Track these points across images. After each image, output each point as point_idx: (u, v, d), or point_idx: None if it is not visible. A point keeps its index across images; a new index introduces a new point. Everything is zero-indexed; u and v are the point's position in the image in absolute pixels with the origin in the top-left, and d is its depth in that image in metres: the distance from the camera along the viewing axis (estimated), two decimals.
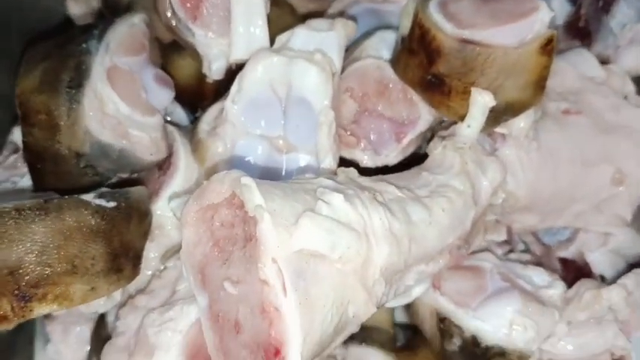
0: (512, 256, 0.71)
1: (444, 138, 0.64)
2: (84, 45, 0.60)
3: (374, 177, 0.59)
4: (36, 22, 0.77)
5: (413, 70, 0.65)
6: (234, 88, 0.64)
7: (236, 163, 0.63)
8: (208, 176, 0.60)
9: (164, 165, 0.65)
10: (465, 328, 0.62)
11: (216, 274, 0.50)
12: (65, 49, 0.60)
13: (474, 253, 0.67)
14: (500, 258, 0.68)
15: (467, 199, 0.60)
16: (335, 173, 0.58)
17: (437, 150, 0.63)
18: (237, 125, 0.64)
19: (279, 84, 0.63)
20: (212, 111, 0.67)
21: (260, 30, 0.68)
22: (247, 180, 0.48)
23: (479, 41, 0.60)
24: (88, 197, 0.55)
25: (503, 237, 0.71)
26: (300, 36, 0.65)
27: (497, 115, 0.63)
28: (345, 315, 0.49)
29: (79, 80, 0.58)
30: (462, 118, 0.63)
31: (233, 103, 0.64)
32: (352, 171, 0.58)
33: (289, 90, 0.63)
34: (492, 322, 0.61)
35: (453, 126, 0.65)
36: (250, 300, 0.47)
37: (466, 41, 0.60)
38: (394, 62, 0.69)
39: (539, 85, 0.63)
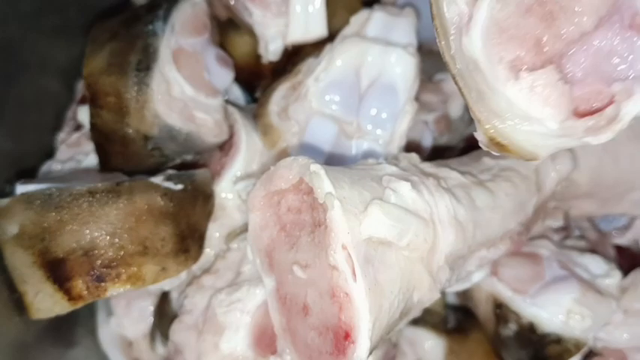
0: (569, 242, 0.71)
1: None
2: (150, 26, 0.60)
3: (435, 162, 0.59)
4: None
5: None
6: (321, 66, 0.65)
7: (305, 145, 0.64)
8: (279, 159, 0.62)
9: (225, 146, 0.66)
10: (522, 314, 0.62)
11: (284, 258, 0.51)
12: (132, 28, 0.61)
13: (531, 239, 0.66)
14: (557, 245, 0.68)
15: (530, 184, 0.60)
16: (397, 159, 0.58)
17: None
18: (314, 103, 0.65)
19: (367, 70, 0.64)
20: (280, 91, 0.67)
21: (318, 10, 0.67)
22: (316, 167, 0.48)
23: None
24: (157, 180, 0.56)
25: (560, 223, 0.71)
26: (379, 20, 0.65)
27: None
28: (410, 300, 0.50)
29: (147, 63, 0.58)
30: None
31: (316, 81, 0.65)
32: (414, 157, 0.58)
33: (377, 77, 0.64)
34: (550, 309, 0.61)
35: None
36: (319, 284, 0.48)
37: None
38: None
39: None
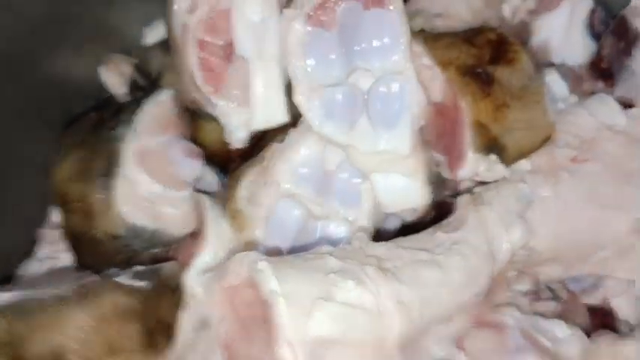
0: (540, 305, 0.71)
1: (473, 194, 0.66)
2: (113, 132, 0.64)
3: (390, 241, 0.61)
4: (73, 95, 0.81)
5: (461, 53, 0.67)
6: (289, 150, 0.68)
7: (272, 230, 0.66)
8: (248, 245, 0.65)
9: (196, 233, 0.69)
10: None
11: (242, 353, 0.53)
12: (97, 135, 0.65)
13: (497, 306, 0.67)
14: (524, 311, 0.68)
15: (481, 255, 0.61)
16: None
17: (461, 206, 0.65)
18: (283, 184, 0.67)
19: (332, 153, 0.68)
20: (248, 176, 0.70)
21: (278, 98, 0.71)
22: (263, 264, 0.51)
23: None
24: (122, 279, 0.59)
25: (528, 286, 0.71)
26: None
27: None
28: None
29: (110, 168, 0.62)
30: (476, 123, 0.65)
31: (285, 163, 0.68)
32: (363, 237, 0.61)
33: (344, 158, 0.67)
34: None
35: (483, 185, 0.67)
36: None
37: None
38: (430, 38, 0.70)
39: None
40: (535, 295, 0.72)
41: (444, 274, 0.58)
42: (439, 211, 0.76)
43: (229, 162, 0.79)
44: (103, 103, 0.84)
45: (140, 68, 0.88)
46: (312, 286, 0.51)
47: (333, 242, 0.66)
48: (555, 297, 0.74)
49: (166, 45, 0.89)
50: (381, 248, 0.59)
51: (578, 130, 0.72)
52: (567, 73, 0.83)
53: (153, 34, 0.91)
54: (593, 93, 0.80)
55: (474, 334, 0.65)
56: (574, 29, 0.85)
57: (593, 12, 0.85)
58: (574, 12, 0.85)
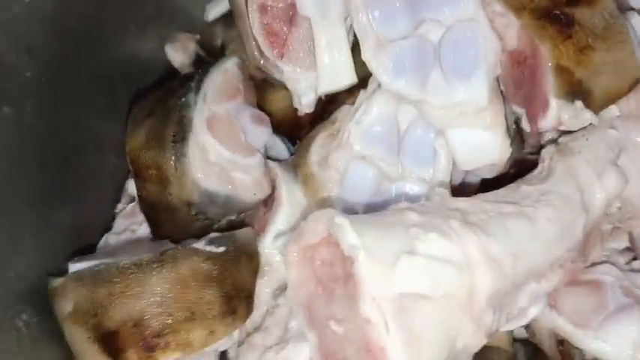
0: (636, 264, 0.67)
1: (558, 144, 0.62)
2: (183, 99, 0.63)
3: (471, 197, 0.58)
4: (139, 74, 0.82)
5: None
6: (360, 110, 0.66)
7: (345, 192, 0.65)
8: (321, 208, 0.63)
9: (268, 201, 0.68)
10: (586, 350, 0.58)
11: (322, 313, 0.52)
12: (166, 103, 0.64)
13: (593, 265, 0.63)
14: (623, 269, 0.64)
15: (574, 205, 0.57)
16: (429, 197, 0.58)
17: (546, 158, 0.61)
18: (356, 146, 0.66)
19: (404, 111, 0.66)
20: (319, 140, 0.69)
21: (345, 59, 0.69)
22: (340, 219, 0.49)
23: None
24: (199, 245, 0.58)
25: (624, 244, 0.67)
26: None
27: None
28: (454, 348, 0.49)
29: (182, 134, 0.61)
30: (557, 67, 0.60)
31: (358, 124, 0.66)
32: (444, 192, 0.58)
33: (416, 116, 0.65)
34: (615, 343, 0.57)
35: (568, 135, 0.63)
36: (355, 339, 0.48)
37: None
38: None
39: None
40: (631, 252, 0.68)
41: (534, 227, 0.54)
42: (518, 169, 0.73)
43: (298, 130, 0.78)
44: (170, 79, 0.84)
45: (204, 44, 0.88)
46: (394, 239, 0.49)
47: (411, 202, 0.64)
48: None
49: (228, 19, 0.90)
50: (464, 203, 0.56)
51: None
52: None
53: (215, 10, 0.90)
54: None
55: (568, 293, 0.61)
56: None
57: None
58: None
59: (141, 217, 0.70)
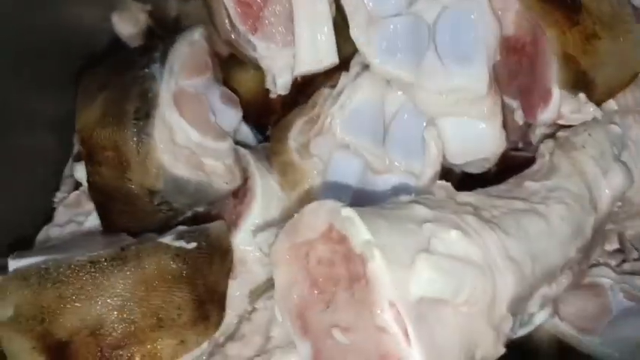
0: (626, 266, 0.64)
1: (557, 139, 0.57)
2: (146, 70, 0.55)
3: (474, 191, 0.53)
4: (82, 43, 0.73)
5: None
6: (344, 94, 0.60)
7: (329, 183, 0.58)
8: (302, 202, 0.56)
9: (239, 193, 0.60)
10: (593, 355, 0.55)
11: (320, 320, 0.44)
12: (125, 75, 0.55)
13: (590, 268, 0.60)
14: (616, 271, 0.61)
15: (585, 203, 0.53)
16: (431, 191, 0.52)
17: (546, 154, 0.57)
18: (339, 133, 0.60)
19: (392, 97, 0.60)
20: (297, 125, 0.62)
21: (327, 37, 0.62)
22: (348, 211, 0.42)
23: None
24: (167, 240, 0.50)
25: (615, 245, 0.64)
26: None
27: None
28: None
29: (146, 110, 0.53)
30: (564, 55, 0.56)
31: (342, 109, 0.60)
32: (449, 187, 0.52)
33: (404, 103, 0.60)
34: (623, 349, 0.54)
35: (567, 129, 0.58)
36: (366, 350, 0.41)
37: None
38: None
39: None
40: (622, 255, 0.65)
41: (549, 225, 0.49)
42: (500, 167, 0.69)
43: (267, 114, 0.71)
44: (116, 52, 0.74)
45: (155, 16, 0.79)
46: (408, 236, 0.43)
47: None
48: None
49: None
50: (471, 197, 0.50)
51: None
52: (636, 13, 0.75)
53: None
54: None
55: (570, 297, 0.57)
56: None
57: None
58: None
59: (87, 206, 0.61)
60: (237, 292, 0.56)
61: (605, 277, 0.59)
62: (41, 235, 0.60)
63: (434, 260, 0.41)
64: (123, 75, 0.55)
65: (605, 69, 0.58)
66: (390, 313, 0.39)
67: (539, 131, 0.64)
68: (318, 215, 0.44)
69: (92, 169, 0.53)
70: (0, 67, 0.61)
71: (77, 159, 0.65)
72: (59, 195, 0.65)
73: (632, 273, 0.63)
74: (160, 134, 0.52)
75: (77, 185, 0.65)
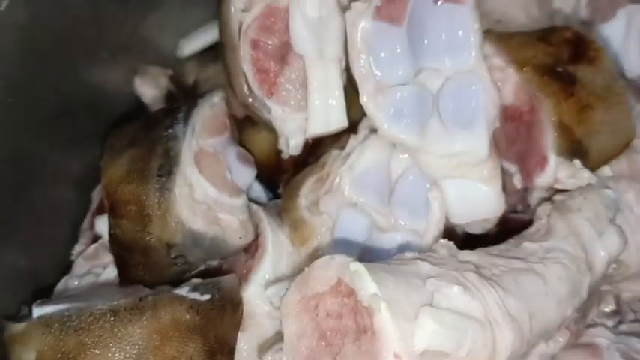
0: (623, 327, 0.66)
1: (554, 202, 0.60)
2: (170, 130, 0.58)
3: (475, 250, 0.55)
4: (105, 105, 0.77)
5: (537, 52, 0.62)
6: (353, 155, 0.64)
7: (337, 240, 0.61)
8: (311, 257, 0.58)
9: (251, 248, 0.63)
10: None
11: None
12: (151, 134, 0.59)
13: (586, 327, 0.61)
14: (613, 331, 0.62)
15: (581, 264, 0.56)
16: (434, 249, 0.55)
17: (544, 216, 0.60)
18: (347, 192, 0.63)
19: (397, 160, 0.63)
20: (307, 184, 0.65)
21: (338, 102, 0.66)
22: (357, 265, 0.45)
23: None
24: (182, 291, 0.52)
25: (611, 306, 0.66)
26: None
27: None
28: None
29: (169, 167, 0.56)
30: (559, 124, 0.60)
31: (350, 169, 0.63)
32: (452, 245, 0.55)
33: (409, 166, 0.63)
34: None
35: (564, 193, 0.61)
36: None
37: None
38: (502, 37, 0.65)
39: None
40: (618, 316, 0.66)
41: (546, 284, 0.52)
42: (500, 228, 0.71)
43: (278, 173, 0.74)
44: (138, 114, 0.78)
45: (175, 80, 0.84)
46: (413, 291, 0.45)
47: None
48: (638, 320, 0.69)
49: (203, 57, 0.86)
50: (472, 255, 0.53)
51: None
52: (628, 85, 0.79)
53: (189, 46, 0.87)
54: None
55: (567, 356, 0.58)
56: (631, 40, 0.81)
57: None
58: (631, 22, 0.82)
59: (105, 259, 0.63)
60: (245, 345, 0.58)
61: (601, 336, 0.60)
62: (60, 286, 0.62)
63: (437, 314, 0.43)
64: (148, 134, 0.59)
65: (599, 137, 0.62)
66: None
67: (536, 195, 0.67)
68: (328, 269, 0.46)
69: (114, 221, 0.56)
70: (31, 126, 0.65)
71: (98, 213, 0.68)
72: (78, 247, 0.67)
73: (629, 333, 0.64)
74: (181, 190, 0.56)
75: (95, 239, 0.67)
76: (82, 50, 0.70)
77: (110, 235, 0.57)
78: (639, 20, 0.82)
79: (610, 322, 0.66)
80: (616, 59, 0.82)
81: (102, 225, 0.64)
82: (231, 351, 0.55)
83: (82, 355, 0.47)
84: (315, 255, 0.60)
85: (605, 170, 0.65)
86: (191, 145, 0.58)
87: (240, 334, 0.58)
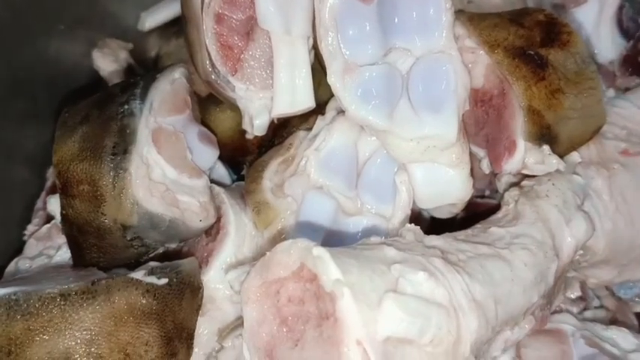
0: (588, 314, 0.66)
1: (522, 187, 0.59)
2: (126, 106, 0.55)
3: (441, 235, 0.54)
4: (62, 79, 0.73)
5: (509, 34, 0.61)
6: (320, 137, 0.62)
7: (301, 223, 0.59)
8: (274, 241, 0.56)
9: (212, 230, 0.60)
10: None
11: (288, 358, 0.45)
12: (105, 110, 0.56)
13: (552, 314, 0.61)
14: (578, 318, 0.62)
15: (547, 250, 0.55)
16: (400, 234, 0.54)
17: (511, 201, 0.59)
18: (314, 175, 0.61)
19: (365, 142, 0.62)
20: (272, 166, 0.63)
21: (305, 81, 0.64)
22: (319, 250, 0.43)
23: None
24: (138, 275, 0.50)
25: (577, 293, 0.65)
26: None
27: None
28: None
29: (124, 146, 0.53)
30: (529, 109, 0.59)
31: (317, 151, 0.62)
32: (418, 230, 0.54)
33: (376, 148, 0.62)
34: None
35: (532, 179, 0.61)
36: None
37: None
38: (474, 18, 0.64)
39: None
40: (583, 302, 0.66)
41: (512, 270, 0.51)
42: (467, 213, 0.70)
43: (243, 154, 0.72)
44: (95, 88, 0.75)
45: (136, 54, 0.81)
46: (377, 277, 0.44)
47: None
48: (602, 306, 0.69)
49: (165, 31, 0.83)
50: (439, 241, 0.52)
51: (625, 122, 0.67)
52: (599, 70, 0.79)
53: (150, 20, 0.83)
54: (627, 89, 0.76)
55: (531, 342, 0.58)
56: (603, 25, 0.81)
57: (620, 8, 0.82)
58: (603, 8, 0.81)
59: (58, 240, 0.60)
60: (205, 330, 0.56)
61: (567, 323, 0.60)
62: (10, 268, 0.59)
63: (401, 300, 0.42)
64: (103, 110, 0.56)
65: (568, 123, 0.61)
66: (357, 352, 0.40)
67: (504, 180, 0.66)
68: (290, 254, 0.45)
69: (66, 201, 0.53)
70: None
71: (51, 192, 0.65)
72: (30, 228, 0.64)
73: (594, 320, 0.64)
74: (137, 170, 0.53)
75: (49, 219, 0.64)
76: (38, 21, 0.66)
77: (62, 215, 0.54)
78: (611, 5, 0.82)
79: (575, 309, 0.66)
80: (588, 44, 0.81)
81: (54, 205, 0.61)
82: (190, 336, 0.53)
83: (30, 342, 0.45)
84: (278, 239, 0.59)
85: (574, 156, 0.64)
86: (148, 123, 0.55)
87: (200, 318, 0.56)
